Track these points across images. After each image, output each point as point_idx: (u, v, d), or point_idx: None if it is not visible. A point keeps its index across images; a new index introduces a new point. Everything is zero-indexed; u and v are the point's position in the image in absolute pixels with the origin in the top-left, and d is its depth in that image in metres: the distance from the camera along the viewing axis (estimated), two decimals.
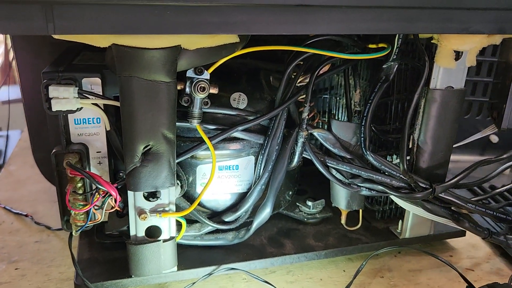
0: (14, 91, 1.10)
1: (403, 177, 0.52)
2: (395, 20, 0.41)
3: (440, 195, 0.53)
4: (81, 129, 0.48)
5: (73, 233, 0.48)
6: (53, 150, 0.48)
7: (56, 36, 0.39)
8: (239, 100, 0.52)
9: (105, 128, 0.48)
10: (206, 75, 0.47)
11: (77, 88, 0.45)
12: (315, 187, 0.65)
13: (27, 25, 0.34)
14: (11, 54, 1.10)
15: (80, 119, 0.48)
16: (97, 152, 0.50)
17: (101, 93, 0.47)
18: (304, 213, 0.61)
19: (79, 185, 0.48)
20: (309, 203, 0.61)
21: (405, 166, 0.50)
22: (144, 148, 0.44)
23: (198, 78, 0.46)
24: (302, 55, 0.50)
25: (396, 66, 0.52)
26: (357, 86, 0.55)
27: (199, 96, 0.45)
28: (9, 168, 0.84)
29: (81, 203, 0.47)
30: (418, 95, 0.49)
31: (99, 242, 0.54)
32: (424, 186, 0.52)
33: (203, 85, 0.45)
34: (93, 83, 0.47)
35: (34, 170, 0.82)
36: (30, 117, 0.64)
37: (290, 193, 0.61)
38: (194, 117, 0.47)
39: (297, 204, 0.62)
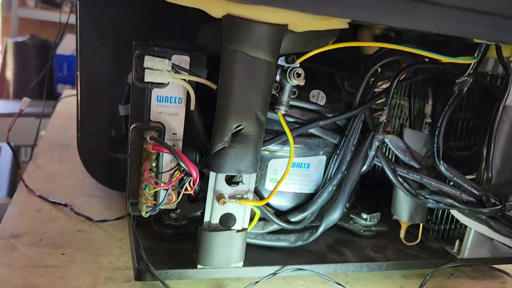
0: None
1: (474, 190, 0.52)
2: (492, 27, 0.43)
3: (508, 213, 0.52)
4: (162, 107, 0.47)
5: (143, 214, 0.46)
6: (132, 125, 0.46)
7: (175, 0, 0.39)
8: (318, 97, 0.51)
9: (190, 108, 0.46)
10: (297, 64, 0.47)
11: (171, 62, 0.44)
12: (363, 202, 0.64)
13: None
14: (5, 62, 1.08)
15: (163, 96, 0.46)
16: (173, 133, 0.48)
17: None
18: (360, 225, 0.60)
19: (154, 164, 0.46)
20: (365, 216, 0.60)
21: (482, 179, 0.50)
22: (235, 128, 0.43)
23: (290, 66, 0.46)
24: (384, 59, 0.51)
25: (470, 81, 0.53)
26: (429, 98, 0.55)
27: (293, 83, 0.45)
28: (38, 162, 0.80)
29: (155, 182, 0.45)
30: (501, 111, 0.49)
31: (157, 231, 0.51)
32: (494, 202, 0.52)
33: (299, 71, 0.44)
34: (182, 61, 0.46)
35: (64, 166, 0.79)
36: (84, 103, 0.62)
37: (347, 204, 0.60)
38: (282, 104, 0.46)
39: (351, 216, 0.61)
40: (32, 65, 2.34)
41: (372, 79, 0.52)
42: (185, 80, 0.45)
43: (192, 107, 0.46)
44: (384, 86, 0.54)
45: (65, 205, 0.62)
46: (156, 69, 0.43)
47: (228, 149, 0.43)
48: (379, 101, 0.52)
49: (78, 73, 0.61)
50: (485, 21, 0.42)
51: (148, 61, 0.43)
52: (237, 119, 0.42)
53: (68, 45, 2.26)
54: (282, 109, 0.46)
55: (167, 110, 0.47)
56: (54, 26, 2.55)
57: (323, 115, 0.51)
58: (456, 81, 0.53)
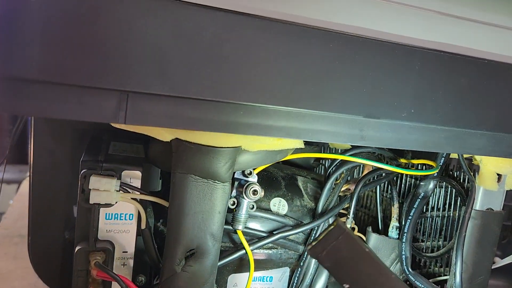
0: None
1: None
2: (448, 138, 0.42)
3: None
4: (111, 225, 0.44)
5: None
6: (77, 247, 0.43)
7: (118, 125, 0.37)
8: (279, 205, 0.49)
9: (140, 226, 0.43)
10: (255, 177, 0.45)
11: (119, 180, 0.42)
12: None
13: (98, 112, 0.32)
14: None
15: (112, 214, 0.44)
16: (123, 252, 0.45)
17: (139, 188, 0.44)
18: None
19: None
20: None
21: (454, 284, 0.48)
22: (187, 252, 0.40)
23: (247, 181, 0.44)
24: (347, 164, 0.49)
25: (435, 183, 0.52)
26: (395, 200, 0.54)
27: (251, 199, 0.43)
28: None
29: None
30: (469, 216, 0.48)
31: None
32: None
33: (255, 188, 0.42)
34: (133, 176, 0.44)
35: (18, 263, 0.74)
36: (36, 205, 0.59)
37: None
38: (239, 221, 0.44)
39: None
40: (6, 129, 2.30)
41: (334, 184, 0.51)
42: (135, 199, 0.42)
43: (143, 226, 0.43)
44: (350, 188, 0.52)
45: None
46: (103, 190, 0.40)
47: (180, 276, 0.40)
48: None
49: (30, 172, 0.58)
50: (444, 134, 0.42)
51: (95, 182, 0.40)
52: (188, 243, 0.39)
53: None
54: (240, 226, 0.44)
55: (116, 228, 0.44)
56: None
57: (285, 225, 0.48)
58: (421, 183, 0.52)
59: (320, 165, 0.60)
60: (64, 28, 0.29)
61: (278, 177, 0.52)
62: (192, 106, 0.34)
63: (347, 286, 0.30)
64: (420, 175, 0.50)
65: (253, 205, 0.45)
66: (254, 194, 0.42)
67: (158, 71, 0.32)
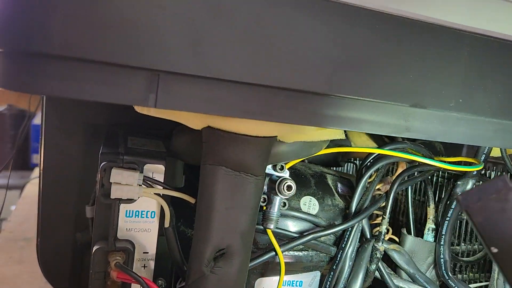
0: None
1: None
2: (497, 132, 0.39)
3: None
4: (131, 223, 0.40)
5: None
6: (95, 247, 0.39)
7: (146, 110, 0.34)
8: (310, 205, 0.46)
9: (164, 225, 0.40)
10: (286, 172, 0.41)
11: (142, 174, 0.38)
12: None
13: (125, 94, 0.29)
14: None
15: (132, 211, 0.40)
16: (144, 252, 0.41)
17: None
18: None
19: None
20: None
21: None
22: (216, 252, 0.36)
23: (279, 176, 0.40)
24: (383, 160, 0.46)
25: (473, 183, 0.49)
26: (431, 200, 0.50)
27: (284, 196, 0.39)
28: None
29: None
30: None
31: None
32: None
33: (289, 183, 0.39)
34: (155, 170, 0.40)
35: (23, 268, 0.70)
36: (46, 205, 0.55)
37: None
38: (271, 219, 0.40)
39: None
40: (8, 135, 2.27)
41: (368, 182, 0.47)
42: (158, 194, 0.39)
43: (167, 224, 0.40)
44: (381, 188, 0.49)
45: None
46: (125, 183, 0.37)
47: (208, 278, 0.36)
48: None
49: (40, 169, 0.55)
50: (493, 126, 0.39)
51: (116, 175, 0.37)
52: (218, 242, 0.36)
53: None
54: (272, 225, 0.40)
55: (137, 226, 0.41)
56: (33, 96, 2.51)
57: (316, 226, 0.45)
58: (458, 182, 0.49)
59: (348, 163, 0.56)
60: None
61: (307, 174, 0.48)
62: (230, 89, 0.30)
63: (495, 250, 0.25)
64: (464, 172, 0.46)
65: (285, 203, 0.41)
66: (288, 190, 0.39)
67: (194, 49, 0.29)
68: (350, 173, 0.67)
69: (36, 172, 1.35)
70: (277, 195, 0.40)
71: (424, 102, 0.36)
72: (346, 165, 0.66)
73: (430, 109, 0.37)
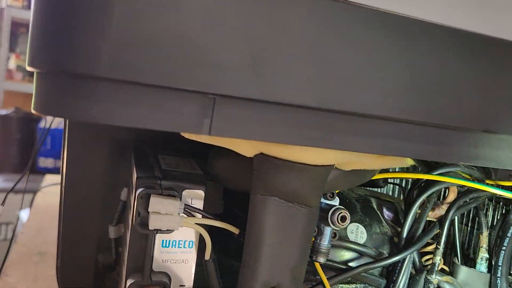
0: None
1: None
2: None
3: None
4: (167, 254, 0.37)
5: None
6: (129, 280, 0.36)
7: (195, 137, 0.30)
8: (357, 232, 0.42)
9: (204, 256, 0.36)
10: (337, 200, 0.38)
11: (183, 202, 0.35)
12: None
13: (177, 120, 0.26)
14: None
15: (169, 241, 0.37)
16: (180, 286, 0.38)
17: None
18: None
19: None
20: None
21: None
22: None
23: (329, 204, 0.37)
24: (436, 185, 0.43)
25: None
26: (483, 227, 0.47)
27: (337, 227, 0.36)
28: (7, 280, 0.68)
29: None
30: None
31: None
32: None
33: (344, 214, 0.35)
34: (195, 196, 0.37)
35: (39, 286, 0.67)
36: (67, 224, 0.52)
37: None
38: (321, 252, 0.37)
39: None
40: (15, 138, 2.25)
41: (418, 211, 0.44)
42: (200, 224, 0.36)
43: (207, 256, 0.36)
44: (430, 215, 0.45)
45: None
46: (165, 213, 0.34)
47: None
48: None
49: (62, 187, 0.52)
50: None
51: (156, 203, 0.33)
52: (268, 280, 0.33)
53: (51, 118, 2.18)
54: (322, 259, 0.37)
55: (174, 257, 0.37)
56: None
57: (366, 257, 0.41)
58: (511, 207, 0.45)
59: (391, 185, 0.53)
60: (140, 16, 0.23)
61: (351, 198, 0.45)
62: (290, 114, 0.27)
63: None
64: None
65: (335, 233, 0.38)
66: (342, 221, 0.35)
67: (254, 70, 0.26)
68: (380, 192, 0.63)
69: (48, 179, 1.32)
70: (329, 225, 0.36)
71: (496, 127, 0.33)
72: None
73: (502, 134, 0.33)
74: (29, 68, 0.26)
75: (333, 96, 0.27)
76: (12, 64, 2.49)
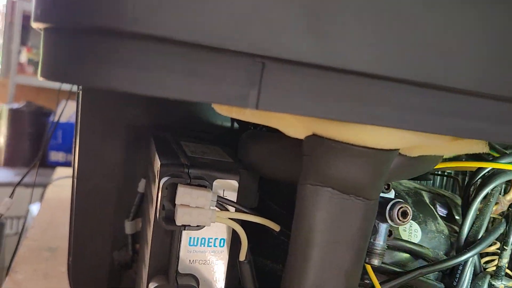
0: None
1: None
2: None
3: None
4: (195, 254, 0.32)
5: None
6: (151, 284, 0.31)
7: (236, 114, 0.25)
8: (411, 230, 0.37)
9: (239, 257, 0.31)
10: (392, 193, 0.32)
11: (215, 194, 0.30)
12: None
13: (217, 89, 0.20)
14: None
15: (197, 238, 0.32)
16: None
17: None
18: None
19: None
20: None
21: None
22: None
23: (385, 197, 0.32)
24: (498, 178, 0.37)
25: None
26: None
27: (396, 224, 0.30)
28: (16, 277, 0.64)
29: None
30: None
31: None
32: None
33: (405, 209, 0.30)
34: (227, 187, 0.32)
35: (49, 283, 0.63)
36: (80, 219, 0.47)
37: None
38: (376, 253, 0.31)
39: None
40: (26, 132, 2.23)
41: (480, 206, 0.38)
42: (234, 219, 0.30)
43: (242, 257, 0.31)
44: (493, 211, 0.39)
45: None
46: (195, 206, 0.28)
47: None
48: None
49: (74, 178, 0.47)
50: None
51: (184, 195, 0.28)
52: (318, 284, 0.27)
53: (63, 112, 2.15)
54: (377, 261, 0.31)
55: (203, 257, 0.32)
56: (50, 93, 2.46)
57: (421, 259, 0.36)
58: None
59: (446, 178, 0.47)
60: None
61: (401, 192, 0.39)
62: (357, 86, 0.22)
63: None
64: None
65: (391, 231, 0.32)
66: (403, 216, 0.30)
67: (314, 27, 0.20)
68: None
69: (58, 172, 1.27)
70: (386, 222, 0.31)
71: None
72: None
73: None
74: (35, 24, 0.21)
75: (409, 63, 0.22)
76: (24, 57, 2.46)
